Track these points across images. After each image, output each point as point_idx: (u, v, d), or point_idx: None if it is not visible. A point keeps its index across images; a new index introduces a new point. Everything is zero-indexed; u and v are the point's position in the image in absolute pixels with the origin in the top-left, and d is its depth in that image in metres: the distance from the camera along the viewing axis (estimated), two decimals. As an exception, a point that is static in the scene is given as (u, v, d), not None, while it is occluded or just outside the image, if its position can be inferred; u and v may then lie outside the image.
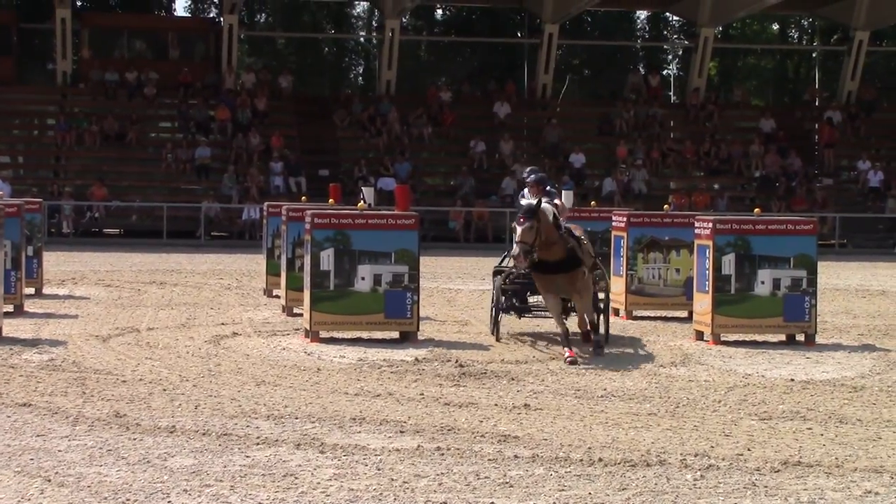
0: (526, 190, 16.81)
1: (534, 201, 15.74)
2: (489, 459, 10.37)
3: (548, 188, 16.71)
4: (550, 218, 15.72)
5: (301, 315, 18.77)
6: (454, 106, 49.17)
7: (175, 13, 63.55)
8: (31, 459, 10.07)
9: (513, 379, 14.44)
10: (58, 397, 12.73)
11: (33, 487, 9.25)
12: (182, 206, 42.31)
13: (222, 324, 19.37)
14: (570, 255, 15.85)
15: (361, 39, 67.11)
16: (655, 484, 9.71)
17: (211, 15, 60.87)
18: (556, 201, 16.47)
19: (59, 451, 10.42)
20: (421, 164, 46.89)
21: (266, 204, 25.51)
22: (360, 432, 11.39)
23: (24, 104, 48.36)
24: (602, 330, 17.14)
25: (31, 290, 22.49)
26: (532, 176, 16.85)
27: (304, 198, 28.38)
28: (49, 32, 50.94)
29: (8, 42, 49.64)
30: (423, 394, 13.36)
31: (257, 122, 46.24)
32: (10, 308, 19.32)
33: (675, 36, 64.00)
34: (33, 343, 16.67)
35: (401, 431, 11.44)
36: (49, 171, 45.11)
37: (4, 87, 47.29)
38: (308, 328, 17.41)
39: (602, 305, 17.39)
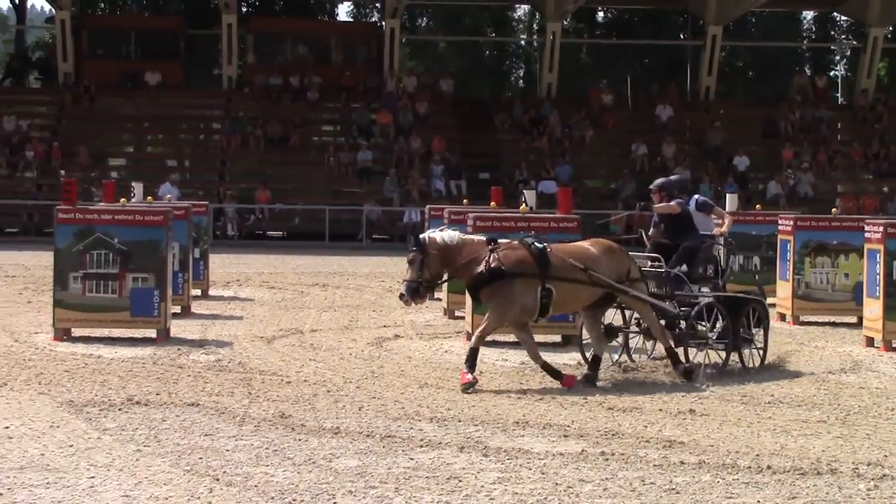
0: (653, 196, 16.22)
1: (426, 234, 14.36)
2: (654, 465, 10.21)
3: (676, 193, 16.05)
4: (450, 243, 14.04)
5: (463, 318, 18.77)
6: (615, 108, 48.83)
7: (337, 18, 64.35)
8: (200, 458, 10.21)
9: (676, 383, 14.23)
10: (224, 397, 12.90)
11: (202, 486, 9.36)
12: (344, 208, 42.69)
13: (384, 326, 19.46)
14: (481, 276, 13.93)
15: (522, 42, 67.11)
16: (826, 493, 9.47)
17: (373, 19, 61.45)
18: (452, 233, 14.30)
19: (227, 450, 10.54)
20: (582, 167, 46.64)
21: (428, 207, 25.59)
22: (523, 436, 11.32)
23: (190, 109, 49.28)
24: (760, 342, 15.69)
25: (198, 292, 22.87)
26: (657, 181, 16.29)
27: (465, 201, 28.45)
28: (215, 38, 51.91)
29: (175, 48, 50.69)
30: (586, 398, 13.23)
31: (418, 125, 46.46)
32: (177, 309, 19.67)
33: (842, 36, 62.71)
34: (200, 344, 16.93)
35: (564, 435, 11.34)
36: (214, 175, 45.90)
37: (172, 92, 48.29)
38: (470, 331, 17.39)
39: (756, 315, 15.65)
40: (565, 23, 52.99)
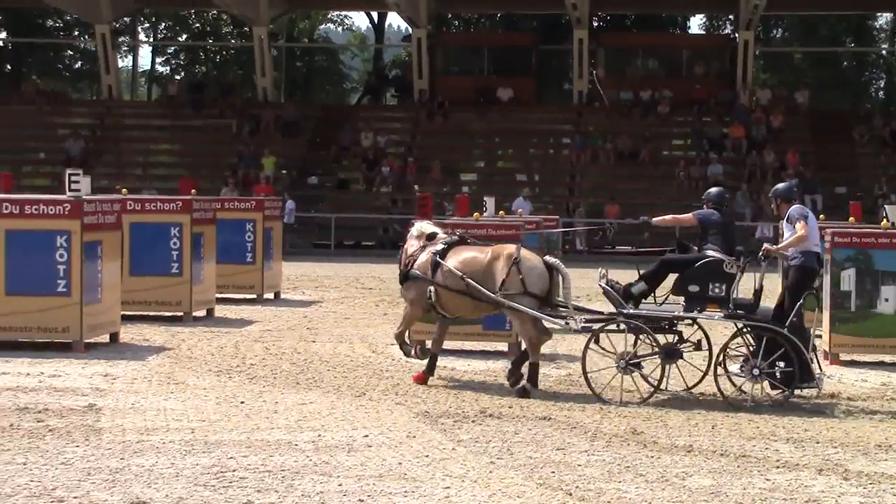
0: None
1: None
2: None
3: (780, 201, 14.56)
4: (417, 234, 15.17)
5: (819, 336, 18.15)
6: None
7: (689, 31, 63.76)
8: (553, 472, 10.16)
9: None
10: (576, 412, 12.84)
11: (555, 500, 9.31)
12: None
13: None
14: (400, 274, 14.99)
15: (884, 52, 64.76)
16: None
17: (726, 31, 60.56)
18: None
19: (579, 465, 10.46)
20: (946, 181, 44.58)
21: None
22: (886, 460, 10.80)
23: (541, 123, 49.74)
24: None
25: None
26: (778, 186, 14.86)
27: (822, 216, 27.49)
28: (566, 53, 52.23)
29: (528, 63, 51.27)
30: (955, 424, 12.54)
31: (772, 138, 45.46)
32: (528, 322, 19.73)
33: None
34: (551, 358, 16.93)
35: (932, 463, 10.76)
36: (564, 189, 46.14)
37: (524, 108, 48.86)
38: (828, 350, 16.81)
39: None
40: (929, 30, 50.87)
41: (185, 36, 67.29)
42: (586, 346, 13.86)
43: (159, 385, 14.06)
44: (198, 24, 66.54)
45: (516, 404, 13.20)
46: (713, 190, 14.84)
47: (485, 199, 22.66)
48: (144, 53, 71.75)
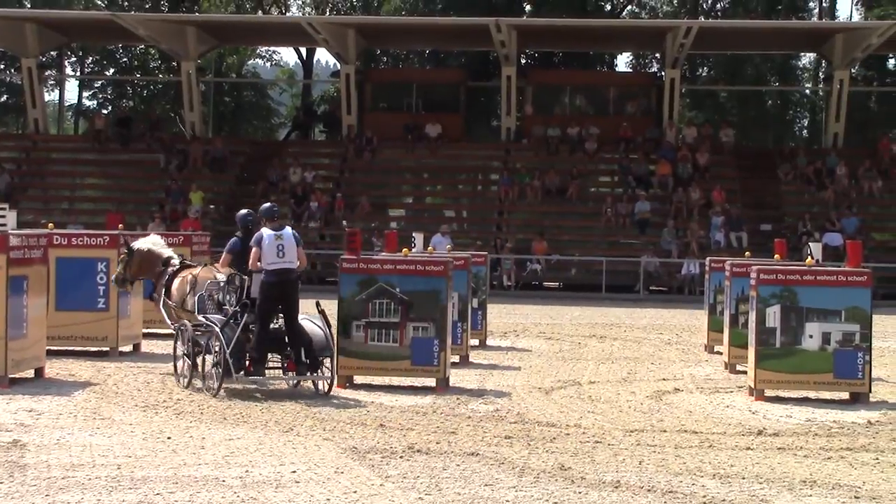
0: None
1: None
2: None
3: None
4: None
5: (744, 372, 18.35)
6: (906, 158, 47.15)
7: (616, 69, 64.32)
8: (480, 508, 10.20)
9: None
10: (504, 448, 12.88)
11: (482, 536, 9.33)
12: (621, 259, 42.46)
13: (663, 379, 19.17)
14: None
15: (807, 91, 65.68)
16: None
17: (652, 69, 61.18)
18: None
19: (507, 501, 10.50)
20: (869, 219, 45.18)
21: (709, 259, 25.17)
22: (811, 496, 10.93)
23: (470, 160, 49.90)
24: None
25: (476, 342, 22.99)
26: None
27: (747, 253, 27.91)
28: (495, 90, 52.50)
29: (456, 100, 51.46)
30: (878, 458, 12.70)
31: (698, 176, 45.92)
32: (455, 359, 19.80)
33: None
34: (479, 393, 17.00)
35: (855, 497, 10.89)
36: (492, 225, 46.31)
37: (452, 144, 48.99)
38: (753, 386, 16.99)
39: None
40: (853, 70, 51.61)
41: (112, 70, 66.92)
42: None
43: (85, 420, 13.94)
44: (125, 59, 66.22)
45: (444, 440, 13.22)
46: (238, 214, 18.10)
47: (413, 234, 22.74)
48: (71, 87, 71.41)
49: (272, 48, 68.96)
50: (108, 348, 20.36)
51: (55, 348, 19.30)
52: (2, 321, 16.34)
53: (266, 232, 16.48)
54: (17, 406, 14.82)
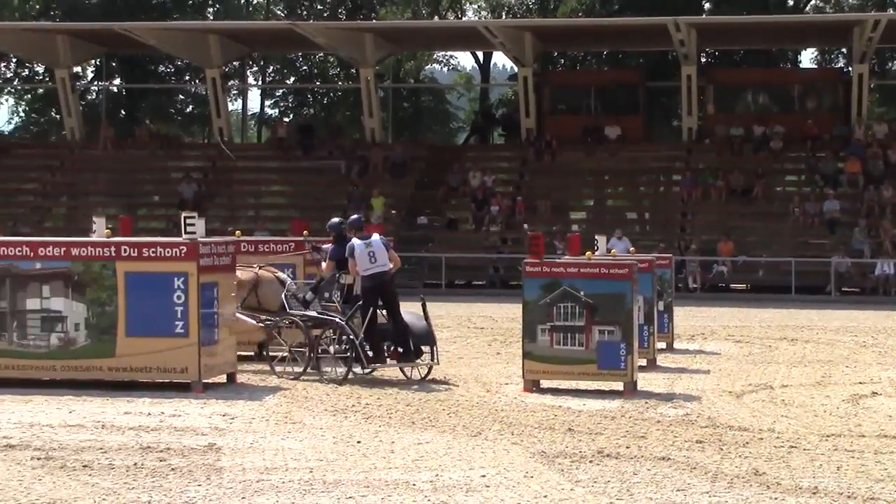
0: None
1: None
2: None
3: None
4: None
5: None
6: None
7: (801, 65, 63.06)
8: (674, 514, 10.02)
9: None
10: (695, 452, 12.65)
11: (678, 543, 9.16)
12: (811, 260, 41.54)
13: (860, 382, 18.65)
14: None
15: None
16: None
17: (839, 65, 59.80)
18: None
19: (701, 507, 10.30)
20: None
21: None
22: None
23: (650, 161, 49.41)
24: None
25: (663, 345, 22.69)
26: None
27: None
28: (675, 90, 51.90)
29: (636, 101, 51.02)
30: None
31: (890, 173, 44.68)
32: (643, 362, 19.57)
33: None
34: (668, 397, 16.77)
35: None
36: (675, 227, 45.76)
37: (632, 146, 48.57)
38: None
39: None
40: None
41: (293, 78, 67.99)
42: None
43: (277, 424, 14.12)
44: (305, 67, 67.19)
45: (634, 444, 13.04)
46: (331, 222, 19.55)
47: (596, 237, 22.55)
48: (254, 96, 72.72)
49: (449, 53, 69.31)
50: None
51: (245, 353, 19.49)
52: (195, 327, 16.65)
53: (356, 242, 18.22)
54: (210, 410, 15.08)
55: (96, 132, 52.57)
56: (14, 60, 63.96)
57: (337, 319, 18.20)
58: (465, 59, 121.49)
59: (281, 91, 68.06)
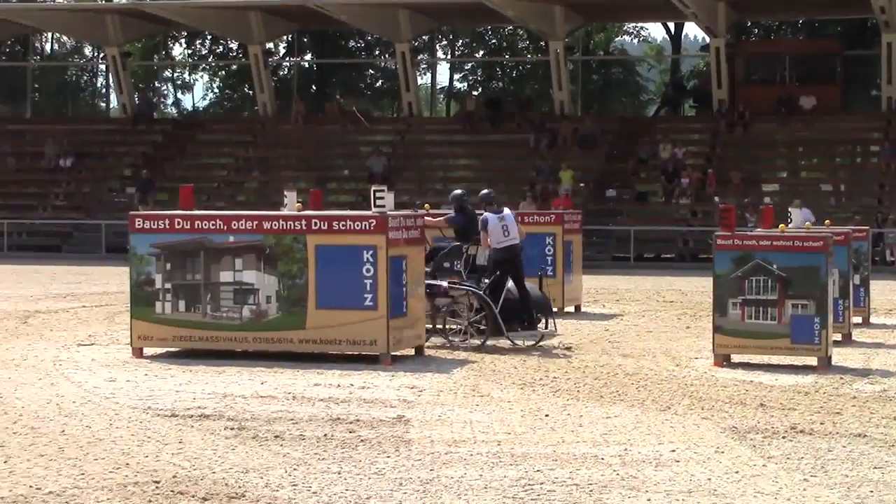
0: None
1: None
2: None
3: None
4: None
5: None
6: None
7: None
8: (871, 492, 9.77)
9: None
10: (893, 430, 12.31)
11: (874, 523, 8.93)
12: None
13: None
14: None
15: None
16: None
17: None
18: None
19: (899, 485, 10.02)
20: None
21: None
22: None
23: (847, 132, 48.24)
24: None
25: (858, 319, 22.12)
26: None
27: None
28: (874, 58, 50.50)
29: (833, 71, 49.85)
30: None
31: None
32: (837, 337, 19.11)
33: None
34: (864, 373, 16.37)
35: None
36: (873, 199, 44.57)
37: (829, 115, 47.45)
38: None
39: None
40: None
41: (481, 52, 68.12)
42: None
43: (465, 397, 14.17)
44: (494, 40, 67.26)
45: (828, 420, 12.75)
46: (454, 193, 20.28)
47: (790, 209, 22.08)
48: (442, 70, 73.03)
49: (639, 24, 68.61)
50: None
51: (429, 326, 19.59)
52: (384, 301, 16.80)
53: (489, 215, 18.90)
54: (399, 383, 15.21)
55: (288, 107, 53.49)
56: (209, 37, 65.43)
57: (476, 290, 18.73)
58: (655, 31, 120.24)
59: (470, 65, 68.27)
